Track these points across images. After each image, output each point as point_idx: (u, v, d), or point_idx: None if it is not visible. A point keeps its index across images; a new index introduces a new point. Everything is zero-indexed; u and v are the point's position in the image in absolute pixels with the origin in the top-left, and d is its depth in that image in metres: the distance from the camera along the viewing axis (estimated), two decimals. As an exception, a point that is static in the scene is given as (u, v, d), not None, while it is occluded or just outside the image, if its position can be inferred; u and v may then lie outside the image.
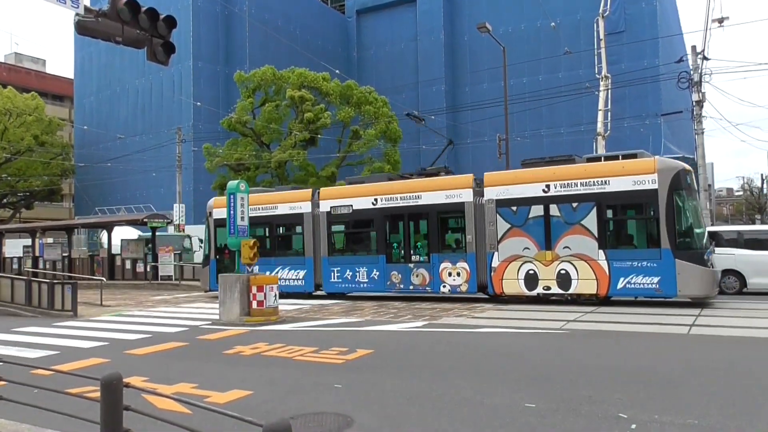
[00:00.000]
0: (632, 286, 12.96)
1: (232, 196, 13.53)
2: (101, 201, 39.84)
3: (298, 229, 17.84)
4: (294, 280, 17.72)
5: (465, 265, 15.10)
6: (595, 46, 32.50)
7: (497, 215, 14.60)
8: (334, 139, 32.32)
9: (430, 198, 15.68)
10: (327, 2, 52.03)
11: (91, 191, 43.21)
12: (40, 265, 28.00)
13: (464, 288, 15.08)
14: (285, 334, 10.78)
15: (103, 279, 21.14)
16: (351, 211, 16.97)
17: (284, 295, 16.71)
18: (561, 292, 13.76)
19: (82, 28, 7.65)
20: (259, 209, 17.89)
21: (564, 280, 13.71)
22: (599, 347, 8.76)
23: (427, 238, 15.79)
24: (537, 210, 14.08)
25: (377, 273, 16.33)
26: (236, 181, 14.14)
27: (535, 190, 14.12)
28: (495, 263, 14.61)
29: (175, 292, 22.69)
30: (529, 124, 36.26)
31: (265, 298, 12.71)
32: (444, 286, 15.37)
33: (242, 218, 13.52)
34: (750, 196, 67.99)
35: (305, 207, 17.71)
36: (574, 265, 13.58)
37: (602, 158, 14.29)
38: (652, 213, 12.99)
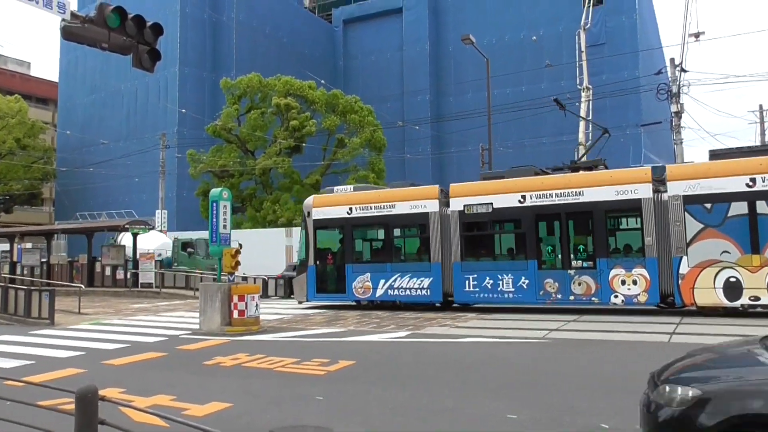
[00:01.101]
0: None
1: (214, 204, 13.43)
2: (82, 206, 39.33)
3: (423, 230, 15.72)
4: (416, 289, 15.49)
5: (643, 271, 13.19)
6: (577, 58, 32.94)
7: (686, 213, 12.77)
8: (319, 147, 32.29)
9: (596, 194, 13.71)
10: (315, 11, 52.12)
11: (72, 196, 42.67)
12: (18, 271, 27.53)
13: (643, 298, 13.14)
14: (266, 345, 10.70)
15: (82, 286, 20.82)
16: (491, 210, 14.85)
17: (403, 306, 15.71)
18: None
19: (68, 33, 7.59)
20: (371, 208, 16.30)
21: None
22: (581, 356, 8.80)
23: (592, 240, 13.94)
24: (739, 207, 12.27)
25: (527, 281, 14.25)
26: (219, 189, 14.06)
27: (737, 184, 12.29)
28: (684, 269, 12.79)
29: (155, 300, 22.43)
30: (512, 133, 36.48)
31: (246, 307, 12.62)
32: (616, 296, 13.41)
33: (224, 226, 13.41)
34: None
35: (431, 205, 15.56)
36: None
37: None
38: None
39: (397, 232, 16.27)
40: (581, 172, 14.82)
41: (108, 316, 16.69)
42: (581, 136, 30.83)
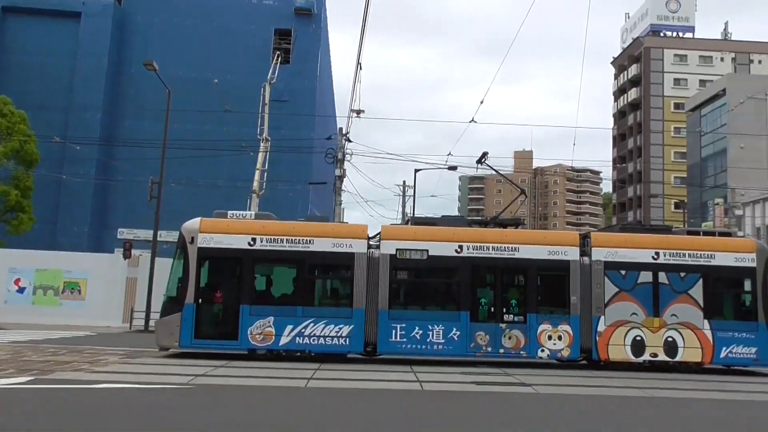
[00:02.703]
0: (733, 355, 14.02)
1: None
2: None
3: (346, 272, 14.21)
4: (333, 337, 13.80)
5: (568, 327, 13.94)
6: (260, 109, 34.38)
7: (605, 277, 14.12)
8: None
9: (530, 252, 14.19)
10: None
11: None
12: None
13: (566, 353, 13.90)
14: None
15: None
16: (426, 257, 14.16)
17: (315, 357, 13.70)
18: (667, 359, 13.91)
19: None
20: (282, 241, 14.05)
21: (671, 347, 13.97)
22: (222, 403, 8.80)
23: (524, 295, 14.27)
24: (646, 276, 14.15)
25: (458, 333, 13.85)
26: None
27: (645, 256, 14.24)
28: (601, 327, 13.95)
29: None
30: (187, 171, 35.75)
31: None
32: (542, 351, 13.88)
33: None
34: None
35: (358, 246, 14.10)
36: (681, 333, 13.98)
37: (701, 233, 15.99)
38: (749, 288, 14.32)
39: (313, 271, 14.47)
40: (509, 228, 15.34)
41: None
42: (255, 185, 31.96)
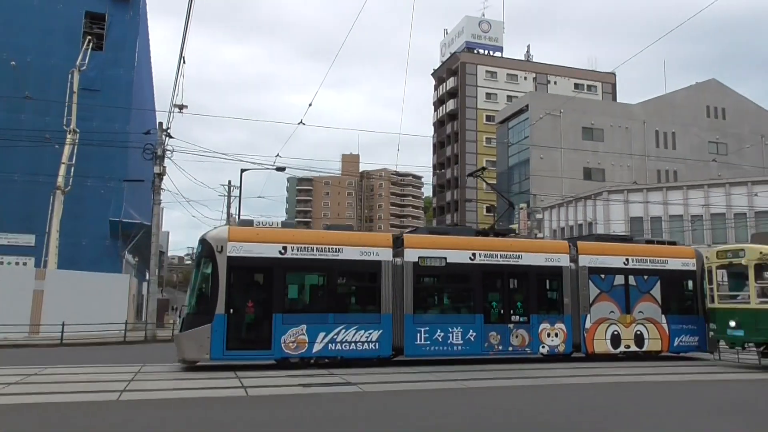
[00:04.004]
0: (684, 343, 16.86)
1: None
2: None
3: (373, 279, 14.68)
4: (364, 342, 14.20)
5: (562, 325, 15.85)
6: (67, 98, 31.15)
7: (589, 281, 16.24)
8: None
9: (531, 259, 15.91)
10: None
11: None
12: None
13: (561, 348, 15.75)
14: None
15: None
16: (444, 264, 15.19)
17: (348, 362, 13.96)
18: (637, 349, 16.37)
19: None
20: (312, 250, 14.27)
21: (639, 339, 16.44)
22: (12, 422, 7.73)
23: (527, 298, 15.85)
24: (620, 279, 16.52)
25: (474, 334, 15.07)
26: None
27: (618, 262, 16.63)
28: (588, 324, 16.04)
29: None
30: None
31: None
32: (543, 347, 15.65)
33: None
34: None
35: (384, 254, 14.79)
36: (646, 327, 16.52)
37: (655, 242, 18.46)
38: (692, 288, 17.13)
39: (342, 279, 14.77)
40: (508, 237, 17.04)
41: None
42: (60, 180, 28.87)
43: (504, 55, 77.13)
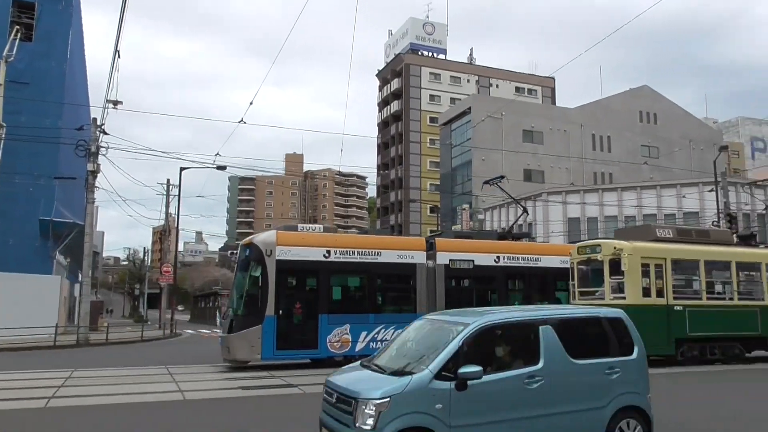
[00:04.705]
0: None
1: None
2: None
3: (409, 281, 15.46)
4: None
5: None
6: (-7, 90, 29.54)
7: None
8: None
9: (548, 261, 17.02)
10: None
11: None
12: None
13: None
14: None
15: None
16: (472, 266, 16.29)
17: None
18: None
19: None
20: (353, 253, 15.03)
21: None
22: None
23: (544, 295, 16.76)
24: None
25: None
26: None
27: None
28: None
29: None
30: None
31: None
32: None
33: None
34: (133, 266, 73.10)
35: (419, 257, 15.72)
36: None
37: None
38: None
39: (381, 280, 15.52)
40: (523, 240, 18.07)
41: None
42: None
43: (448, 58, 78.14)
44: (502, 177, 20.59)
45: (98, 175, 24.35)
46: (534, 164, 54.82)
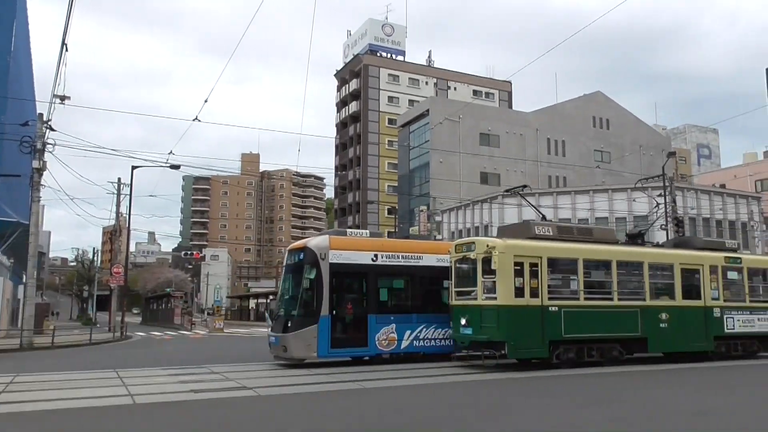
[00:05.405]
0: None
1: None
2: None
3: (446, 283, 15.71)
4: (440, 339, 15.81)
5: None
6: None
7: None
8: None
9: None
10: None
11: None
12: None
13: None
14: None
15: None
16: None
17: (425, 357, 15.50)
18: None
19: None
20: (398, 257, 15.88)
21: None
22: None
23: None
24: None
25: None
26: None
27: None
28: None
29: None
30: None
31: None
32: None
33: None
34: (82, 267, 70.77)
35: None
36: None
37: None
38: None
39: (422, 282, 16.19)
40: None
41: None
42: None
43: (406, 60, 78.45)
44: (525, 186, 20.54)
45: (44, 172, 23.41)
46: (490, 167, 55.50)
